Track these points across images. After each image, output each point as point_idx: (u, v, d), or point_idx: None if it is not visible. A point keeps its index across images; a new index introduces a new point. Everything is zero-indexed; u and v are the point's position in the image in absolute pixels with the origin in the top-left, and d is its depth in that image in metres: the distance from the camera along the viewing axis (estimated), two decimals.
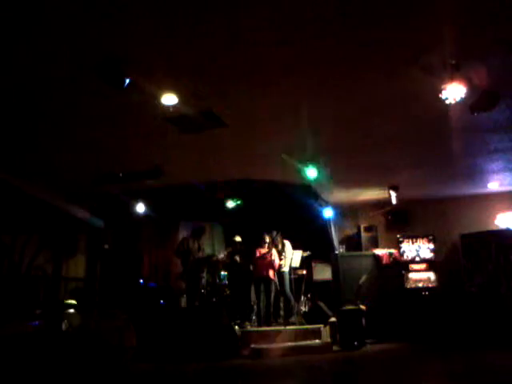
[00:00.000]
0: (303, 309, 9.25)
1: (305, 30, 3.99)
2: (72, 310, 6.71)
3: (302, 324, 8.47)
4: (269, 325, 8.30)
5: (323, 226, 9.88)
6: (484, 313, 8.27)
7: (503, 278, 8.84)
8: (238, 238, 9.30)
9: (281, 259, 8.77)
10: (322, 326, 8.07)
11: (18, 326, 5.83)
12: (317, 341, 7.77)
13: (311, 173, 7.25)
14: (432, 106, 5.25)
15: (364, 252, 10.03)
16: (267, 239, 8.69)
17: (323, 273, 10.02)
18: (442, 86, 4.65)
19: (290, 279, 8.77)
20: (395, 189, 8.86)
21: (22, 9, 3.55)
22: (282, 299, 8.77)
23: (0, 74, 4.56)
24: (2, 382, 5.03)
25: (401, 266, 9.71)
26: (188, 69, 4.59)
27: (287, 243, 9.04)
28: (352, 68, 4.65)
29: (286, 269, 8.80)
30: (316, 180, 7.61)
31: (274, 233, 8.97)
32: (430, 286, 9.52)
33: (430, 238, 9.88)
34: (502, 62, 4.55)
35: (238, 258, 9.07)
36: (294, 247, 9.09)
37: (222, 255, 9.52)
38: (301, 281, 9.28)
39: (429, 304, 9.10)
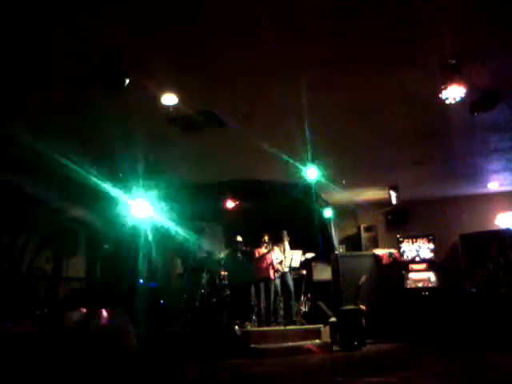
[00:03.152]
0: (303, 309, 9.25)
1: (305, 31, 3.99)
2: (72, 310, 6.71)
3: (302, 324, 8.47)
4: (269, 325, 8.29)
5: (323, 226, 9.87)
6: (484, 313, 8.27)
7: (503, 278, 8.84)
8: (239, 238, 9.29)
9: (281, 260, 8.80)
10: (322, 326, 8.07)
11: (19, 326, 5.83)
12: (317, 341, 7.76)
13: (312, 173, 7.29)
14: (432, 106, 5.25)
15: (364, 252, 10.03)
16: (266, 239, 8.69)
17: (323, 273, 10.01)
18: (442, 86, 4.66)
19: (292, 279, 8.80)
20: (395, 189, 8.87)
21: (23, 9, 3.55)
22: (281, 299, 8.77)
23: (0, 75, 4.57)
24: (3, 382, 5.03)
25: (401, 266, 9.71)
26: (188, 69, 4.59)
27: (285, 243, 9.05)
28: (352, 69, 4.65)
29: (286, 269, 8.81)
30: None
31: (285, 232, 8.99)
32: (429, 285, 9.52)
33: (430, 238, 9.87)
34: (502, 62, 4.56)
35: (239, 255, 9.06)
36: (295, 247, 9.09)
37: (222, 255, 9.51)
38: (301, 281, 9.27)
39: (429, 304, 9.10)
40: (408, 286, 9.57)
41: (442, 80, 4.64)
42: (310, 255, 9.15)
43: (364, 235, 10.51)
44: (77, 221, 9.47)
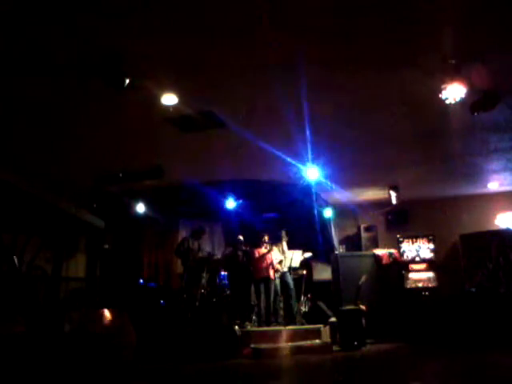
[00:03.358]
0: (303, 309, 9.25)
1: (305, 29, 3.99)
2: (72, 310, 6.71)
3: (302, 324, 8.47)
4: (269, 325, 8.29)
5: (323, 226, 9.87)
6: (484, 313, 8.27)
7: (503, 278, 8.84)
8: (240, 237, 9.30)
9: (280, 260, 8.81)
10: (322, 326, 8.07)
11: (19, 326, 5.82)
12: (317, 341, 7.76)
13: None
14: (432, 106, 5.25)
15: (364, 252, 10.03)
16: (266, 239, 8.70)
17: (323, 273, 10.01)
18: (442, 86, 4.66)
19: (292, 278, 8.82)
20: (395, 189, 8.87)
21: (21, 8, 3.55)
22: (281, 299, 8.77)
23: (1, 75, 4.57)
24: (3, 383, 5.03)
25: (401, 266, 9.71)
26: (188, 69, 4.59)
27: (284, 243, 9.06)
28: (352, 68, 4.65)
29: (285, 269, 8.82)
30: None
31: (283, 232, 9.00)
32: (429, 285, 9.52)
33: (430, 238, 9.88)
34: (502, 62, 4.56)
35: (240, 254, 9.06)
36: (295, 247, 9.09)
37: (221, 255, 9.52)
38: (301, 281, 9.28)
39: (429, 304, 9.10)
40: (408, 286, 9.57)
41: (442, 80, 4.64)
42: (307, 254, 9.16)
43: (364, 235, 10.50)
44: (77, 221, 9.48)
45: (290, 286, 8.73)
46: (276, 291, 8.60)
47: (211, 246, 10.70)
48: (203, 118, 5.66)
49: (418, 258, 9.81)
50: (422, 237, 9.92)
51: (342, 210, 10.58)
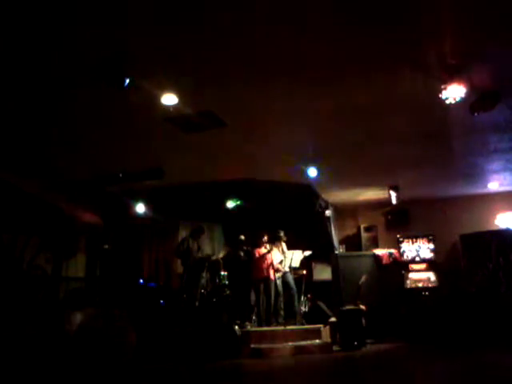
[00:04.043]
0: (303, 309, 9.25)
1: (305, 31, 3.99)
2: (72, 310, 6.71)
3: (302, 324, 8.48)
4: (269, 325, 8.30)
5: (323, 225, 9.87)
6: (484, 313, 8.26)
7: (503, 278, 8.84)
8: (241, 237, 9.29)
9: (281, 260, 8.81)
10: (322, 326, 8.07)
11: (19, 326, 5.82)
12: (317, 341, 7.76)
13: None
14: (432, 106, 5.25)
15: (364, 252, 10.04)
16: (266, 239, 8.70)
17: (323, 273, 10.02)
18: (442, 86, 4.66)
19: (292, 278, 8.82)
20: (395, 189, 8.87)
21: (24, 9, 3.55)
22: (281, 299, 8.77)
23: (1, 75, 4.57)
24: (4, 383, 5.03)
25: (401, 266, 9.72)
26: (188, 69, 4.59)
27: (283, 243, 9.06)
28: (352, 69, 4.65)
29: (286, 268, 8.83)
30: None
31: (282, 232, 9.00)
32: (430, 285, 9.53)
33: (430, 238, 9.89)
34: (502, 62, 4.56)
35: (242, 254, 9.06)
36: (294, 247, 9.09)
37: (221, 255, 9.52)
38: (301, 281, 9.28)
39: (429, 304, 9.10)
40: (408, 286, 9.58)
41: (442, 80, 4.64)
42: (307, 252, 9.17)
43: (364, 235, 10.52)
44: (77, 221, 9.47)
45: (291, 286, 8.74)
46: (277, 291, 8.61)
47: (211, 246, 10.70)
48: (203, 118, 5.65)
49: (418, 258, 9.82)
50: (422, 237, 9.93)
51: (342, 210, 10.58)
